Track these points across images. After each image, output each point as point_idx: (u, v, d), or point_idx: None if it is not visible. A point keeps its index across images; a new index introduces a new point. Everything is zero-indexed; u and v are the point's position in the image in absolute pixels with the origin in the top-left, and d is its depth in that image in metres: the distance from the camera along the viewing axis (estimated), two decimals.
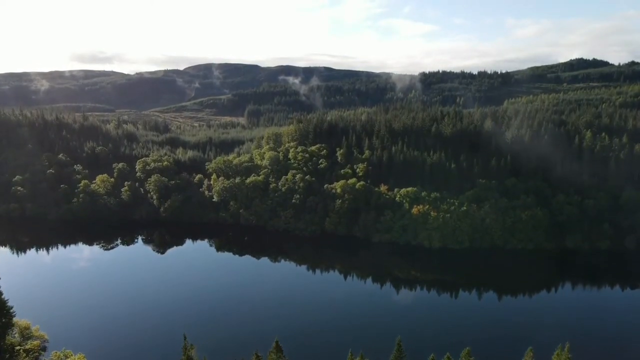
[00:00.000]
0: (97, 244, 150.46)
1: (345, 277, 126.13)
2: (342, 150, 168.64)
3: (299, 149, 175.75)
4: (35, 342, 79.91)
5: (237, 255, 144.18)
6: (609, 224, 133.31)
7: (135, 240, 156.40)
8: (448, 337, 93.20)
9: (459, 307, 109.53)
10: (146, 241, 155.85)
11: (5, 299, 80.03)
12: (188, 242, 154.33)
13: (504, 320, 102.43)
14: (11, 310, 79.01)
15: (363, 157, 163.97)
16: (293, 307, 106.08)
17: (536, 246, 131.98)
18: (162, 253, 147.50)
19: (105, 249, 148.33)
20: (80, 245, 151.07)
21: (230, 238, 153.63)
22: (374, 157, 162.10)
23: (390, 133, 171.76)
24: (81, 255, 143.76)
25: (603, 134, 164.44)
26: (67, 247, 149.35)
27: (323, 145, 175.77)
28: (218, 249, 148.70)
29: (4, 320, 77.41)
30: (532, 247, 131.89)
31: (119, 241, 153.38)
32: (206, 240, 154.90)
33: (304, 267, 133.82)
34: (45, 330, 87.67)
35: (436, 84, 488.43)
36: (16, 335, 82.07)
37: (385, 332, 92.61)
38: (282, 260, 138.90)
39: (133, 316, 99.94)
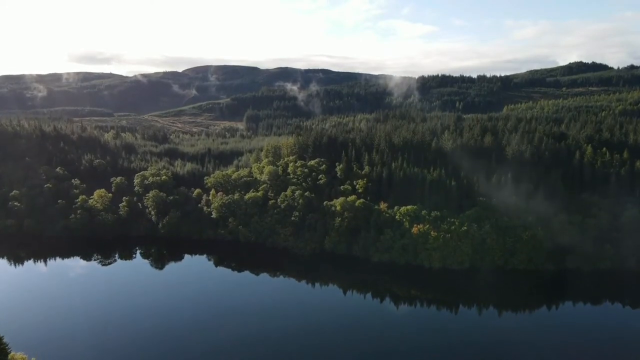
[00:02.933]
0: (95, 260, 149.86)
1: (344, 293, 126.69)
2: (341, 166, 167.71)
3: (298, 163, 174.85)
4: None
5: (235, 272, 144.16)
6: (610, 244, 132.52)
7: (134, 256, 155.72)
8: (447, 353, 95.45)
9: (458, 323, 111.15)
10: (145, 256, 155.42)
11: (1, 335, 79.29)
12: (187, 259, 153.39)
13: (503, 338, 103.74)
14: (7, 348, 78.32)
15: (363, 172, 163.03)
16: (291, 323, 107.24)
17: (537, 267, 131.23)
18: (161, 269, 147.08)
19: (104, 265, 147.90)
20: (78, 263, 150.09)
21: (230, 255, 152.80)
22: (374, 173, 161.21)
23: (390, 148, 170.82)
24: (78, 274, 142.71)
25: (604, 149, 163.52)
26: (64, 265, 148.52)
27: (322, 159, 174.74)
28: (216, 265, 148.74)
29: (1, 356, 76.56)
30: (532, 268, 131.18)
31: (117, 258, 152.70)
32: (205, 255, 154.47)
33: (302, 283, 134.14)
34: None
35: (435, 88, 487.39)
36: None
37: (386, 349, 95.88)
38: (281, 277, 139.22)
39: (134, 341, 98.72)
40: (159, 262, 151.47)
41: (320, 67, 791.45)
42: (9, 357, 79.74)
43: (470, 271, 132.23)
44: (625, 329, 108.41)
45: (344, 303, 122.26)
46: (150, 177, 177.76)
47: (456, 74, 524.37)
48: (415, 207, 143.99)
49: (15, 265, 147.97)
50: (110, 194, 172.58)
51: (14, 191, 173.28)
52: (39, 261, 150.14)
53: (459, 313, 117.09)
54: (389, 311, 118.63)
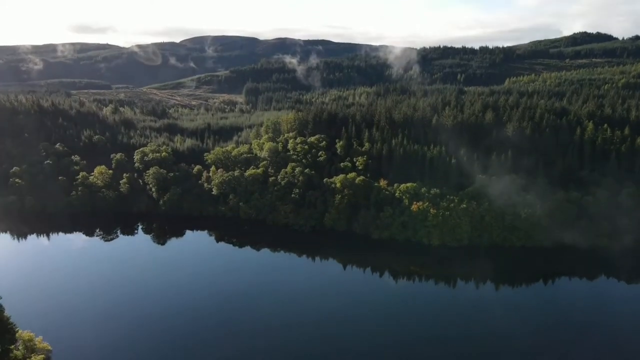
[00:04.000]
0: (97, 236, 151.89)
1: (344, 268, 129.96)
2: (341, 142, 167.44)
3: (298, 139, 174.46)
4: (39, 357, 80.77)
5: (236, 247, 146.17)
6: (608, 221, 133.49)
7: (135, 231, 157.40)
8: (445, 326, 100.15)
9: (455, 297, 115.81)
10: (146, 231, 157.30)
11: (8, 315, 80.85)
12: (188, 235, 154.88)
13: (500, 310, 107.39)
14: (15, 328, 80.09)
15: (363, 149, 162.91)
16: (290, 299, 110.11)
17: (534, 244, 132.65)
18: (162, 244, 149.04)
19: (106, 240, 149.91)
20: (80, 238, 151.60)
21: (231, 232, 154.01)
22: (374, 149, 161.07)
23: (390, 124, 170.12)
24: (81, 250, 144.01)
25: (605, 125, 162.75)
26: (67, 241, 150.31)
27: (322, 136, 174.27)
28: (217, 241, 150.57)
29: (7, 336, 78.33)
30: (530, 245, 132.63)
31: (119, 233, 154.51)
32: (206, 231, 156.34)
33: (303, 259, 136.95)
34: (48, 338, 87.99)
35: (437, 59, 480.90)
36: (20, 347, 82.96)
37: (385, 322, 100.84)
38: (282, 252, 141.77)
39: (136, 316, 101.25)
40: (160, 238, 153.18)
41: (319, 38, 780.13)
42: (17, 336, 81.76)
43: (469, 248, 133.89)
44: (619, 303, 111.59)
45: (344, 277, 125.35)
46: (150, 154, 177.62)
47: (458, 45, 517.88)
48: (415, 184, 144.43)
49: (18, 239, 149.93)
50: (110, 171, 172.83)
51: (15, 168, 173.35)
52: (41, 236, 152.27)
53: (456, 287, 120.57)
54: (388, 285, 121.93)
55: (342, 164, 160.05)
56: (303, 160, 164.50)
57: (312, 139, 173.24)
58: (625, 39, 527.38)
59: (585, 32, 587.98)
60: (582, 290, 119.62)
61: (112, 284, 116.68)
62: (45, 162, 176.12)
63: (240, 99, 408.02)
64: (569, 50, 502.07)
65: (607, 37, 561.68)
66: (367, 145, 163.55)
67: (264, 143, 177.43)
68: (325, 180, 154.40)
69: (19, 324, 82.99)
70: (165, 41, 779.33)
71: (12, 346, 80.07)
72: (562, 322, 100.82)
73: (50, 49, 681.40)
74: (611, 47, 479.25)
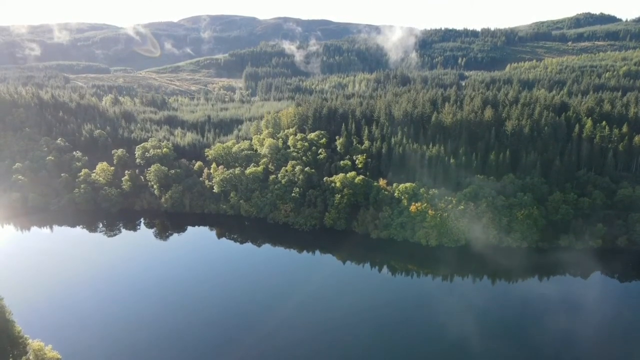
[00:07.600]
0: (100, 232, 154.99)
1: (343, 263, 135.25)
2: (341, 140, 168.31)
3: (298, 136, 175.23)
4: None
5: (238, 244, 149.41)
6: (603, 222, 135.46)
7: (138, 228, 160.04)
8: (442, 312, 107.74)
9: (452, 291, 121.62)
10: (148, 226, 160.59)
11: (19, 328, 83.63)
12: (190, 232, 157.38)
13: (495, 302, 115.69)
14: (26, 339, 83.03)
15: (362, 147, 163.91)
16: (291, 291, 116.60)
17: (530, 245, 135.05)
18: (165, 241, 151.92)
19: (109, 236, 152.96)
20: (84, 236, 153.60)
21: (232, 229, 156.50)
22: (373, 148, 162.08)
23: (390, 121, 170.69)
24: (85, 249, 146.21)
25: (603, 122, 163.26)
26: (71, 239, 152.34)
27: (322, 132, 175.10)
28: (219, 237, 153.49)
29: (19, 349, 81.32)
30: (525, 246, 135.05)
31: (122, 228, 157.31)
32: (207, 227, 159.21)
33: (303, 254, 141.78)
34: (58, 346, 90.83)
35: (437, 42, 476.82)
36: (31, 358, 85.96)
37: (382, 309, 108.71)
38: (282, 248, 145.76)
39: (145, 319, 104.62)
40: (162, 234, 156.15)
41: (319, 18, 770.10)
42: (28, 346, 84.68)
43: (466, 248, 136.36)
44: (610, 299, 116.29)
45: (343, 272, 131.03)
46: (152, 150, 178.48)
47: (459, 27, 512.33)
48: (413, 184, 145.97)
49: (22, 231, 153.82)
50: (112, 168, 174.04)
51: (17, 164, 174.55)
52: (44, 227, 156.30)
53: (453, 282, 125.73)
54: (386, 279, 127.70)
55: (342, 162, 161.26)
56: (303, 158, 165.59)
57: (312, 135, 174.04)
58: (628, 20, 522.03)
59: (589, 13, 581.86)
60: (574, 288, 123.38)
61: (117, 284, 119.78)
62: (47, 158, 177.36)
63: (239, 83, 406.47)
64: (572, 32, 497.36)
65: (611, 19, 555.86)
66: (366, 143, 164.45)
67: (264, 139, 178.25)
68: (325, 179, 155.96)
69: (26, 329, 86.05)
70: (162, 21, 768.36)
71: (24, 358, 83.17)
72: (554, 319, 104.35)
73: (46, 29, 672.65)
74: (614, 29, 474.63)
